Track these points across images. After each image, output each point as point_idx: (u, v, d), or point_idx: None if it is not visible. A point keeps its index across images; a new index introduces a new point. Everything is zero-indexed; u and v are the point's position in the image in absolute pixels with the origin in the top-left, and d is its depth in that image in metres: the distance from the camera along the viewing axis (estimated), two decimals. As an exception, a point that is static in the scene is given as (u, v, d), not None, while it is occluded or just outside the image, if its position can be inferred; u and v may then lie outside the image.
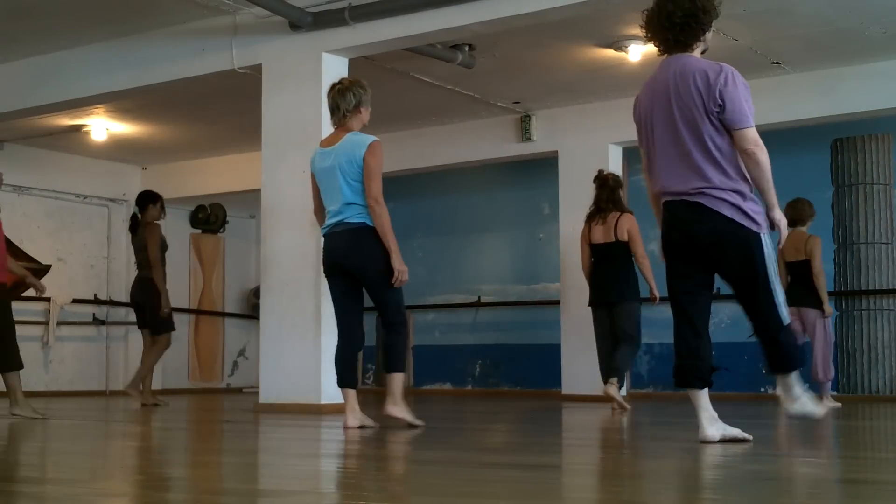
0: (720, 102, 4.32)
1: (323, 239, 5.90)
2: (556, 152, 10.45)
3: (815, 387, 9.05)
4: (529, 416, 7.64)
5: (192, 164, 12.82)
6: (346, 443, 4.94)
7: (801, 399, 4.51)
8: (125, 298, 12.24)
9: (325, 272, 5.87)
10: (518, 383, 11.97)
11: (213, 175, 12.70)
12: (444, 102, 10.22)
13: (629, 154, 10.32)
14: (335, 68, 7.70)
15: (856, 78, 9.05)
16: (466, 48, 8.60)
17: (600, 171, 8.26)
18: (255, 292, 12.44)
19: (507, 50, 8.73)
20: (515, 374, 12.01)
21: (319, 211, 5.89)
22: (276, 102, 7.93)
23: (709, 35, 4.56)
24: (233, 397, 11.53)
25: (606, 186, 8.06)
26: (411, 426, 5.70)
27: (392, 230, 5.65)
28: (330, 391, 7.22)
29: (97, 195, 12.74)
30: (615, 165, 10.02)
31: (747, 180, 4.40)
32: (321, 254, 6.06)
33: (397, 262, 5.62)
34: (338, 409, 6.66)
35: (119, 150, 12.11)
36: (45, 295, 11.60)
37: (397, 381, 5.76)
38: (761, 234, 4.38)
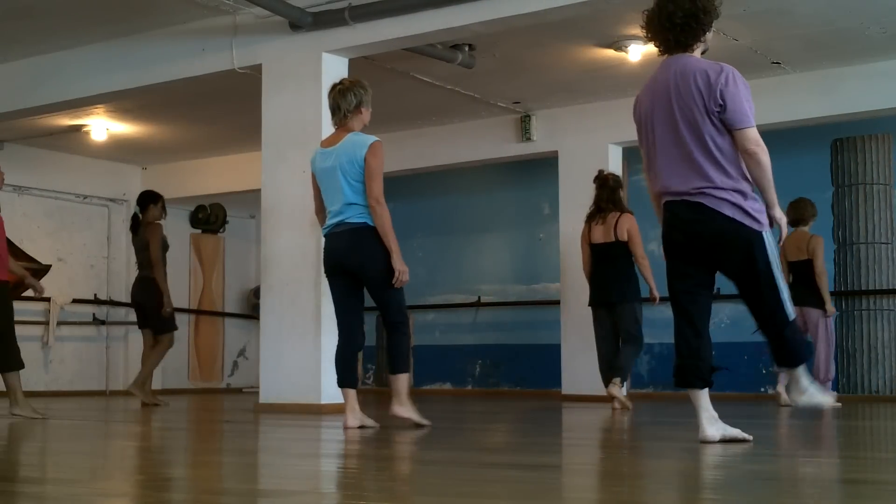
0: (721, 102, 4.32)
1: (324, 239, 5.90)
2: (556, 152, 10.45)
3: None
4: (529, 416, 7.64)
5: (192, 164, 12.82)
6: (346, 443, 4.94)
7: (808, 390, 4.51)
8: (125, 298, 12.25)
9: (326, 272, 5.87)
10: (518, 383, 11.97)
11: (213, 175, 12.69)
12: (444, 102, 10.22)
13: (629, 154, 10.32)
14: (335, 68, 7.70)
15: (856, 78, 9.06)
16: (466, 48, 8.60)
17: (600, 171, 8.27)
18: (255, 292, 12.44)
19: (507, 50, 8.73)
20: (515, 374, 12.01)
21: (320, 211, 5.89)
22: (276, 102, 7.93)
23: (709, 35, 4.56)
24: (233, 397, 11.53)
25: (607, 186, 8.06)
26: (418, 426, 5.72)
27: (393, 230, 5.65)
28: (330, 391, 7.22)
29: (97, 195, 12.74)
30: (615, 165, 10.02)
31: (748, 179, 4.40)
32: (321, 254, 6.06)
33: (398, 263, 5.63)
34: (338, 409, 6.66)
35: (119, 150, 12.11)
36: (45, 295, 11.66)
37: (402, 381, 5.77)
38: (763, 233, 4.38)
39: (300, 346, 7.54)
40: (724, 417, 4.52)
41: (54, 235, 12.30)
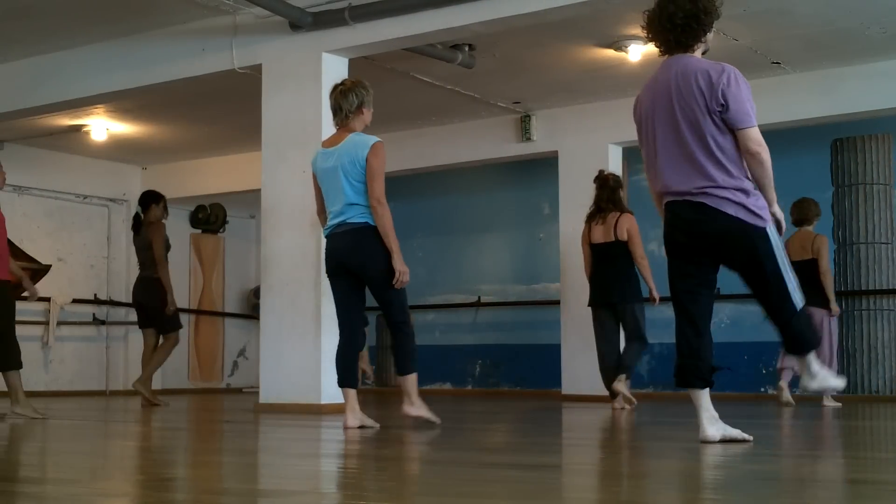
0: (723, 102, 4.33)
1: (325, 240, 5.91)
2: (556, 152, 10.45)
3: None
4: (529, 416, 7.64)
5: (192, 164, 12.82)
6: (346, 443, 4.94)
7: (819, 375, 4.52)
8: (125, 298, 12.26)
9: (327, 272, 5.87)
10: (518, 383, 11.97)
11: (213, 175, 12.69)
12: (444, 102, 10.22)
13: (629, 154, 10.32)
14: (335, 68, 7.70)
15: (856, 78, 9.05)
16: (466, 48, 8.60)
17: (601, 172, 8.27)
18: (255, 292, 12.44)
19: (507, 50, 8.73)
20: (515, 374, 12.01)
21: (322, 211, 5.90)
22: (276, 102, 7.93)
23: (710, 36, 4.56)
24: (233, 397, 11.53)
25: (607, 186, 8.06)
26: (430, 423, 5.75)
27: (394, 231, 5.66)
28: (330, 391, 7.22)
29: (97, 195, 12.74)
30: (615, 165, 10.02)
31: (749, 178, 4.41)
32: (321, 254, 6.06)
33: (398, 263, 5.63)
34: (338, 409, 6.66)
35: (119, 150, 12.11)
36: (45, 295, 11.68)
37: (411, 381, 5.80)
38: (766, 228, 4.38)
39: (300, 346, 7.54)
40: (724, 417, 4.53)
41: (54, 235, 12.30)
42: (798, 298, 4.43)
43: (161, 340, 9.21)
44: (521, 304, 12.05)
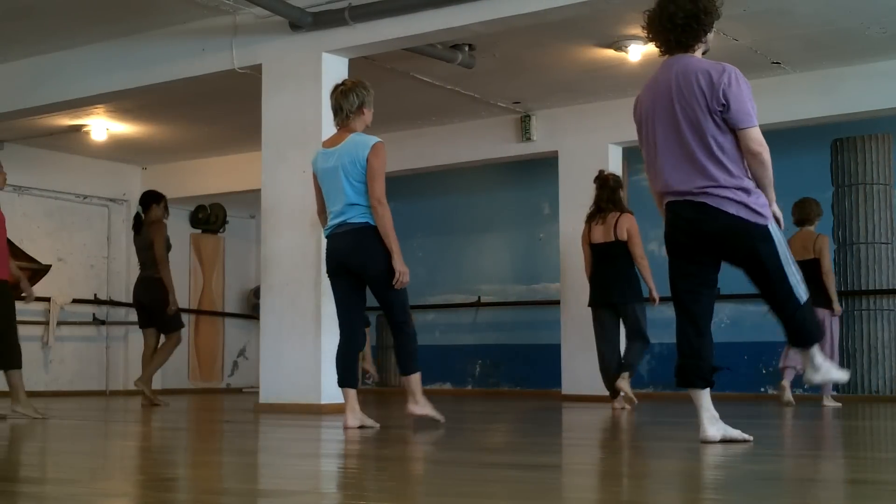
0: (724, 102, 4.33)
1: (326, 240, 5.91)
2: (556, 152, 10.45)
3: (818, 385, 9.06)
4: (529, 416, 7.64)
5: (192, 164, 12.82)
6: (346, 443, 4.94)
7: (822, 368, 4.53)
8: (125, 298, 12.26)
9: (328, 272, 5.87)
10: (518, 383, 11.97)
11: (213, 175, 12.69)
12: (444, 102, 10.22)
13: (629, 154, 10.32)
14: (335, 68, 7.70)
15: (856, 78, 9.05)
16: (466, 48, 8.60)
17: (601, 172, 8.26)
18: (255, 292, 12.44)
19: (507, 50, 8.73)
20: (515, 374, 12.01)
21: (322, 211, 5.90)
22: (276, 102, 7.93)
23: (710, 36, 4.56)
24: (233, 397, 11.53)
25: (607, 187, 8.06)
26: (434, 422, 5.78)
27: (394, 231, 5.66)
28: (330, 391, 7.22)
29: (97, 195, 12.74)
30: (615, 165, 10.02)
31: (749, 176, 4.41)
32: (321, 254, 6.06)
33: (398, 264, 5.64)
34: (338, 409, 6.66)
35: (119, 150, 12.11)
36: (45, 295, 11.67)
37: (415, 381, 5.85)
38: (768, 225, 4.39)
39: (300, 346, 7.54)
40: (724, 417, 4.52)
41: (54, 235, 12.30)
42: (802, 291, 4.43)
43: (161, 341, 9.22)
44: (521, 304, 12.05)
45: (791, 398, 8.54)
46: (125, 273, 12.54)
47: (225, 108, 10.27)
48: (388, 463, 4.11)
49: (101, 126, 11.06)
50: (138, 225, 9.31)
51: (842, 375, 4.63)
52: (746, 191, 4.37)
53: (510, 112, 10.57)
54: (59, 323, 12.01)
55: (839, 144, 10.29)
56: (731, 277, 4.78)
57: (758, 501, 2.97)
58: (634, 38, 8.29)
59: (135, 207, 9.64)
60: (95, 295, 12.54)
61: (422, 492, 3.18)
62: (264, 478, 3.60)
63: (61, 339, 12.09)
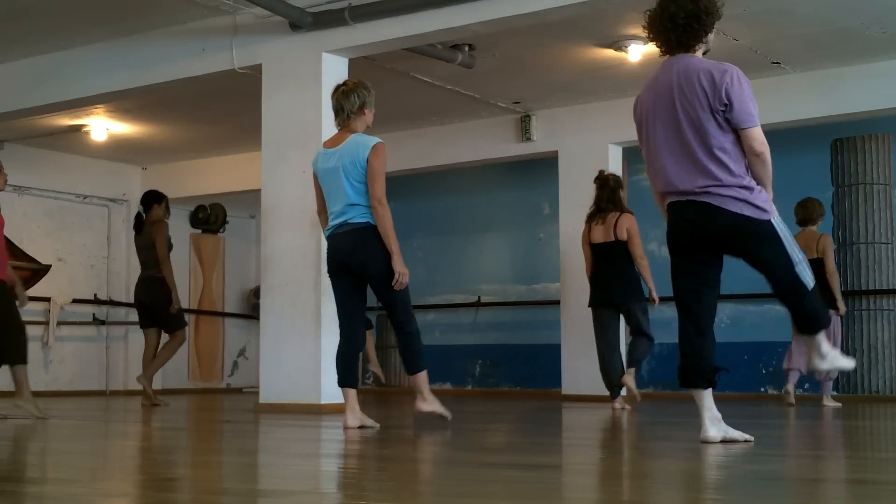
0: (726, 102, 4.33)
1: (327, 240, 5.91)
2: (556, 152, 10.45)
3: (818, 385, 9.07)
4: (529, 416, 7.64)
5: (192, 164, 12.82)
6: (346, 443, 4.94)
7: (829, 355, 4.53)
8: (125, 298, 12.27)
9: (329, 272, 5.87)
10: (518, 383, 11.97)
11: (213, 175, 12.69)
12: (444, 102, 10.22)
13: (629, 154, 10.32)
14: (335, 68, 7.70)
15: (856, 78, 9.05)
16: (466, 48, 8.60)
17: (601, 172, 8.26)
18: (255, 292, 12.44)
19: (507, 50, 8.73)
20: (515, 374, 12.01)
21: (322, 212, 5.90)
22: (276, 102, 7.93)
23: (711, 36, 4.56)
24: (233, 397, 11.53)
25: (607, 187, 8.05)
26: (442, 418, 5.83)
27: (394, 232, 5.66)
28: (330, 391, 7.22)
29: (97, 195, 12.74)
30: (615, 165, 10.02)
31: (749, 174, 4.41)
32: (321, 254, 6.06)
33: (398, 265, 5.64)
34: (338, 409, 6.66)
35: (119, 150, 12.11)
36: (45, 295, 11.68)
37: (421, 379, 5.85)
38: (772, 220, 4.39)
39: (300, 346, 7.54)
40: (724, 417, 4.52)
41: (54, 235, 12.30)
42: (808, 279, 4.44)
43: (162, 341, 9.21)
44: (521, 304, 12.05)
45: (793, 399, 8.55)
46: (125, 273, 12.54)
47: (225, 108, 10.27)
48: (388, 463, 4.11)
49: (101, 126, 11.06)
50: (139, 225, 9.31)
51: (848, 363, 4.63)
52: (749, 188, 4.37)
53: (510, 112, 10.57)
54: (59, 323, 12.01)
55: (839, 144, 10.29)
56: (731, 277, 4.78)
57: (758, 501, 2.97)
58: (634, 38, 8.29)
59: (135, 207, 9.64)
60: (95, 295, 12.54)
61: (422, 492, 3.18)
62: (264, 478, 3.60)
63: (61, 340, 12.09)
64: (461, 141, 11.01)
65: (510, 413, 8.03)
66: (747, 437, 4.45)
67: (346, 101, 5.75)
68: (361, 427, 5.67)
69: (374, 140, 5.69)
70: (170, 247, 9.15)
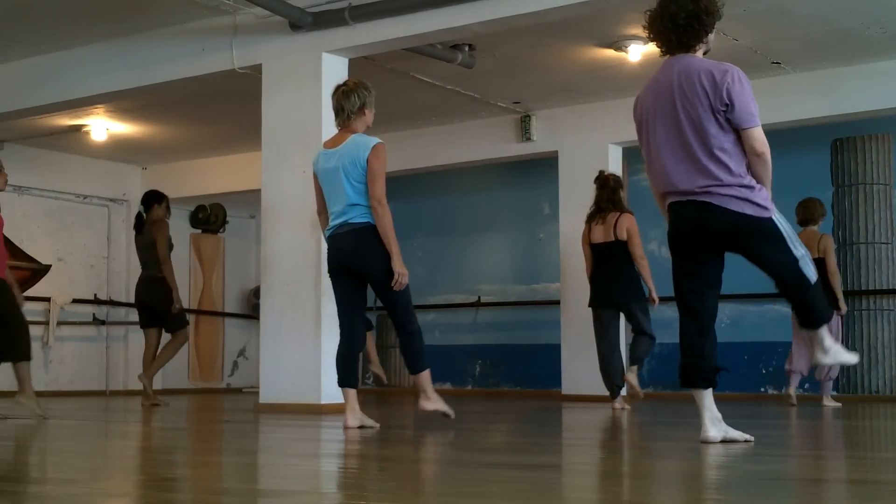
0: (727, 102, 4.33)
1: (327, 240, 5.91)
2: (556, 152, 10.45)
3: (818, 386, 9.07)
4: (529, 416, 7.64)
5: (192, 164, 12.82)
6: (346, 443, 4.94)
7: (831, 350, 4.53)
8: (125, 298, 12.27)
9: (329, 273, 5.87)
10: (518, 383, 11.97)
11: (213, 175, 12.69)
12: (444, 102, 10.22)
13: (629, 154, 10.32)
14: (335, 68, 7.70)
15: (856, 78, 9.05)
16: (466, 48, 8.60)
17: (601, 172, 8.26)
18: (255, 292, 12.44)
19: (507, 50, 8.73)
20: (515, 374, 12.01)
21: (323, 212, 5.90)
22: (276, 102, 7.93)
23: (711, 36, 4.56)
24: (233, 397, 11.53)
25: (607, 187, 8.05)
26: (446, 416, 5.85)
27: (394, 232, 5.66)
28: (330, 391, 7.22)
29: (97, 195, 12.74)
30: (615, 165, 10.02)
31: (749, 173, 4.41)
32: (321, 254, 6.06)
33: (398, 265, 5.64)
34: (338, 409, 6.66)
35: (119, 150, 12.11)
36: (45, 295, 11.68)
37: (424, 378, 5.87)
38: (772, 217, 4.39)
39: (300, 346, 7.54)
40: (724, 417, 4.52)
41: (54, 235, 12.30)
42: (811, 273, 4.43)
43: (163, 341, 9.21)
44: (521, 304, 12.05)
45: (795, 400, 8.55)
46: (125, 273, 12.54)
47: (225, 108, 10.28)
48: (389, 463, 4.11)
49: (101, 126, 11.06)
50: (140, 224, 9.31)
51: (851, 357, 4.63)
52: (749, 187, 4.37)
53: (510, 112, 10.57)
54: (59, 323, 12.01)
55: (839, 144, 10.29)
56: (731, 277, 4.78)
57: (758, 501, 2.96)
58: (634, 38, 8.29)
59: (135, 207, 9.64)
60: (95, 295, 12.54)
61: (422, 492, 3.18)
62: (264, 478, 3.60)
63: (61, 339, 12.09)
64: (461, 141, 11.01)
65: (510, 413, 8.03)
66: (747, 437, 4.45)
67: (347, 102, 5.75)
68: (361, 427, 5.68)
69: (375, 140, 5.69)
70: (170, 247, 9.16)
